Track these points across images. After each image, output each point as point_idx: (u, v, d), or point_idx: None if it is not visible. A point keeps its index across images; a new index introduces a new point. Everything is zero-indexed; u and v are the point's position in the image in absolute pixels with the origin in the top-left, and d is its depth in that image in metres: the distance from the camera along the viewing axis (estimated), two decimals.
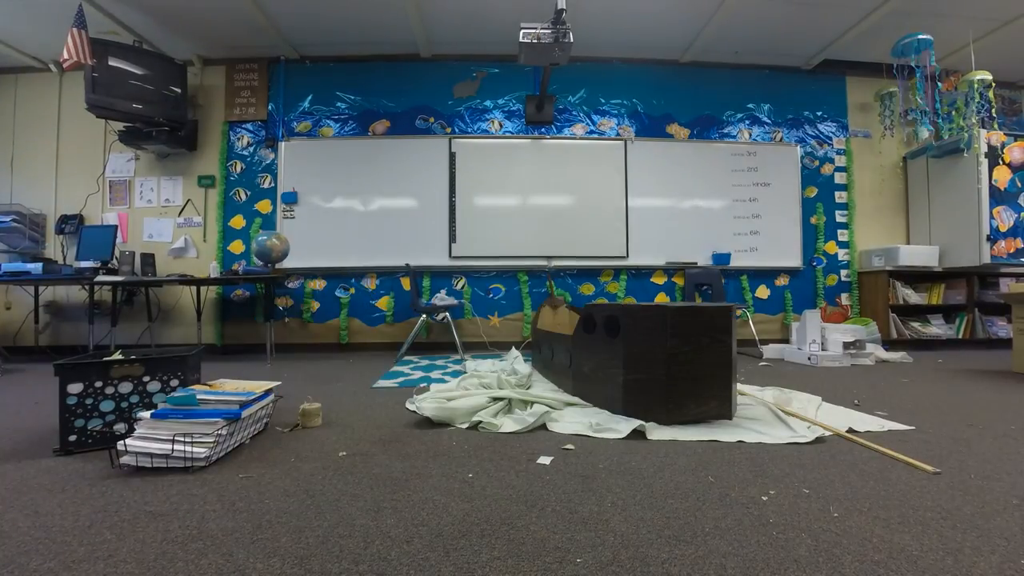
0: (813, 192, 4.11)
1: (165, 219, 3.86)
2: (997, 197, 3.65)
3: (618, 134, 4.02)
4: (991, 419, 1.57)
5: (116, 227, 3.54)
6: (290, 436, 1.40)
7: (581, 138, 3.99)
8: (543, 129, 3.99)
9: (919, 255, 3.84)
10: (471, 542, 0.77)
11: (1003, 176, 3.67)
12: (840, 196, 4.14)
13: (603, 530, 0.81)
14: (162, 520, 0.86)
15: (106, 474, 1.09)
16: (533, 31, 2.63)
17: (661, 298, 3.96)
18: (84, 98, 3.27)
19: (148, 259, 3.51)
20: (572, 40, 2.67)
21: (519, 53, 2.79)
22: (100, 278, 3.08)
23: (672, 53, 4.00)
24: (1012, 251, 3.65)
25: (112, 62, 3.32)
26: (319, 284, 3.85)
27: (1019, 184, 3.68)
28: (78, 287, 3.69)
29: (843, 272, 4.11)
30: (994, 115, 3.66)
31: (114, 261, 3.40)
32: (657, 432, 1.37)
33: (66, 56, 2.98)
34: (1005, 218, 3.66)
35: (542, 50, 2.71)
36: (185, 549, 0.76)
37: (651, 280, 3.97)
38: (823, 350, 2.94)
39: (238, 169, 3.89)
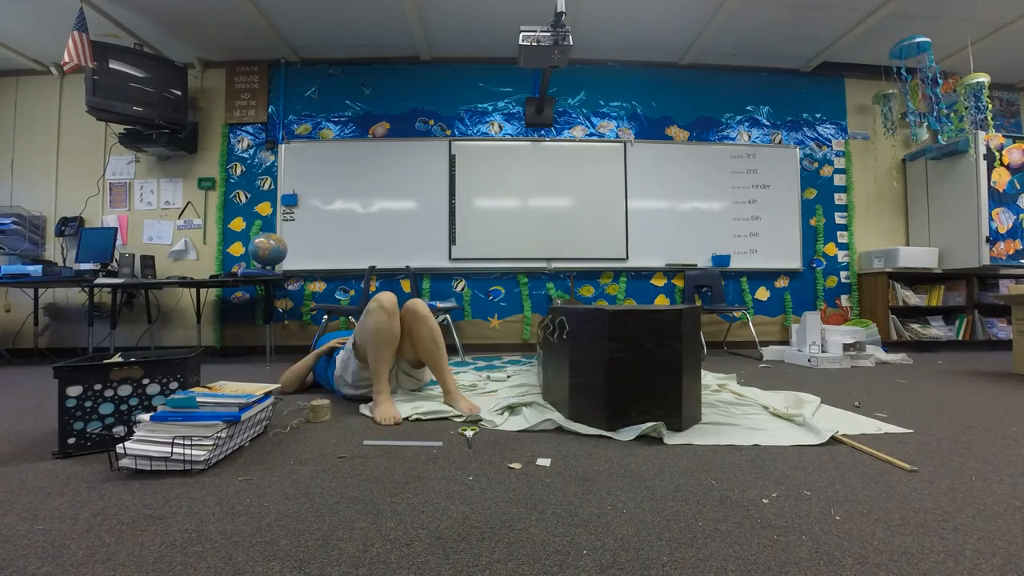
0: (812, 194, 4.12)
1: (165, 221, 3.87)
2: (996, 199, 3.66)
3: (618, 136, 4.03)
4: (992, 421, 1.56)
5: (116, 229, 3.54)
6: (289, 439, 1.40)
7: (581, 140, 4.00)
8: (543, 131, 4.01)
9: (918, 257, 3.84)
10: (471, 545, 0.77)
11: (1002, 178, 3.68)
12: (840, 198, 4.15)
13: (603, 532, 0.81)
14: (161, 523, 0.86)
15: (105, 477, 1.09)
16: (533, 34, 2.64)
17: (661, 300, 3.97)
18: (84, 100, 3.28)
19: (148, 261, 3.51)
20: (572, 43, 2.68)
21: (519, 55, 2.80)
22: (100, 280, 3.08)
23: (671, 55, 4.01)
24: (1011, 252, 3.66)
25: (113, 65, 3.34)
26: (319, 286, 3.85)
27: (1018, 186, 3.69)
28: (78, 289, 3.69)
29: (843, 274, 4.12)
30: (991, 117, 3.67)
31: (114, 263, 3.40)
32: (673, 438, 1.35)
33: (67, 59, 2.99)
34: (1004, 220, 3.66)
35: (542, 53, 2.72)
36: (184, 552, 0.76)
37: (651, 282, 3.97)
38: (823, 352, 2.94)
39: (238, 171, 3.89)
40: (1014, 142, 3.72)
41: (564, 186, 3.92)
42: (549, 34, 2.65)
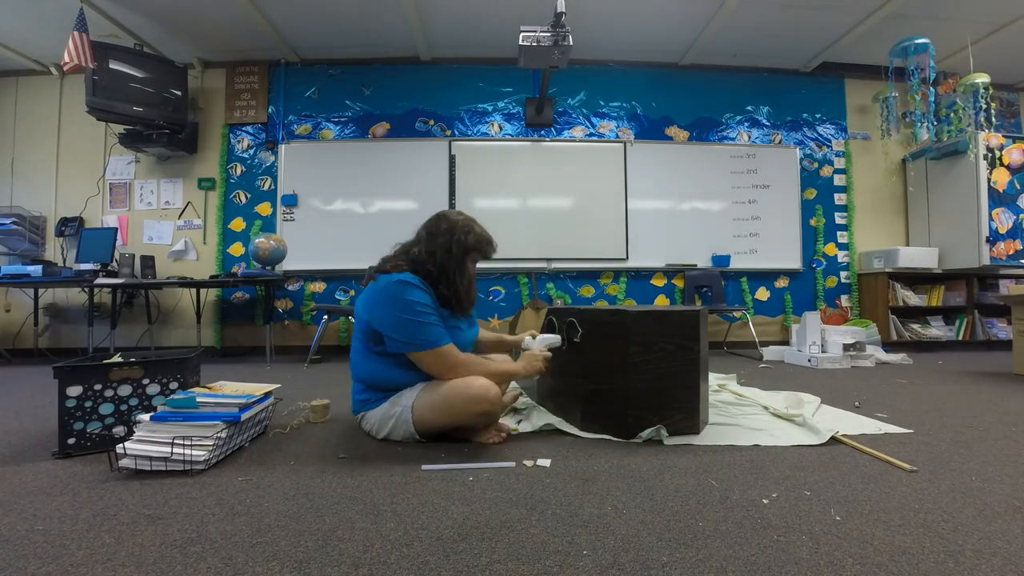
0: (812, 194, 4.12)
1: (165, 222, 3.87)
2: (996, 199, 3.66)
3: (618, 136, 4.03)
4: (992, 421, 1.56)
5: (116, 229, 3.54)
6: (289, 439, 1.40)
7: (581, 140, 4.00)
8: (543, 132, 4.01)
9: (918, 257, 3.84)
10: (471, 545, 0.77)
11: (1002, 178, 3.68)
12: (840, 198, 4.15)
13: (603, 533, 0.81)
14: (161, 523, 0.86)
15: (105, 477, 1.09)
16: (533, 34, 2.64)
17: (661, 300, 3.96)
18: (85, 101, 3.28)
19: (148, 261, 3.51)
20: (572, 43, 2.68)
21: (519, 56, 2.80)
22: (100, 280, 3.08)
23: (671, 56, 4.01)
24: (1011, 253, 3.66)
25: (113, 65, 3.34)
26: (319, 286, 3.85)
27: (1018, 186, 3.69)
28: (78, 289, 3.69)
29: (843, 274, 4.12)
30: (993, 118, 3.67)
31: (114, 263, 3.41)
32: (674, 439, 1.34)
33: (67, 59, 2.99)
34: (1004, 220, 3.66)
35: (542, 53, 2.72)
36: (184, 552, 0.76)
37: (651, 282, 3.97)
38: (823, 352, 2.94)
39: (238, 171, 3.89)
40: (1014, 142, 3.72)
41: (564, 186, 3.91)
42: (549, 34, 2.65)
